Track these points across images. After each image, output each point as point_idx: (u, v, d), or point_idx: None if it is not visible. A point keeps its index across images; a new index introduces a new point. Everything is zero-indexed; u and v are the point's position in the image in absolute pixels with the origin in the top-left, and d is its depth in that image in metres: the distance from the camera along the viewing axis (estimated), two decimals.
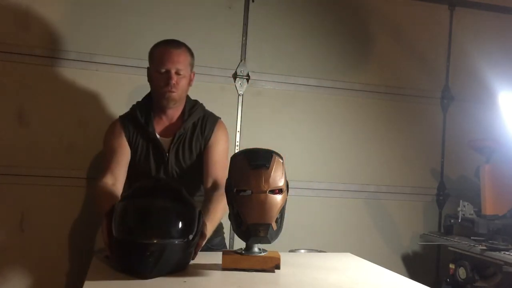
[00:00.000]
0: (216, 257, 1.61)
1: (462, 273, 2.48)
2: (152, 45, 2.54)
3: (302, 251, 2.34)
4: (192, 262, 1.57)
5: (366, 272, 1.73)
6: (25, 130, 2.36)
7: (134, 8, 2.50)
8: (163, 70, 1.90)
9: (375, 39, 2.89)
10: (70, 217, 2.40)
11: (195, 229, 1.53)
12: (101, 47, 2.46)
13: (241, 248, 1.59)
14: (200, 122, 2.00)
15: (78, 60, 2.42)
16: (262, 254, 1.57)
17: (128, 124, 1.97)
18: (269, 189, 1.49)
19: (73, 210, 2.40)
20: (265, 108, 2.71)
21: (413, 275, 2.74)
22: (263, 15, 2.69)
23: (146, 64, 2.48)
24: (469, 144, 2.80)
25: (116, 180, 1.88)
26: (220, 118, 2.07)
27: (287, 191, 1.55)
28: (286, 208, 1.54)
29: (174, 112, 1.99)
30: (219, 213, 1.81)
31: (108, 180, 1.87)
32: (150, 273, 1.41)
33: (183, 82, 1.94)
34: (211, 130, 2.00)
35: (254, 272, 1.53)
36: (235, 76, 2.62)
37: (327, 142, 2.80)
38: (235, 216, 1.52)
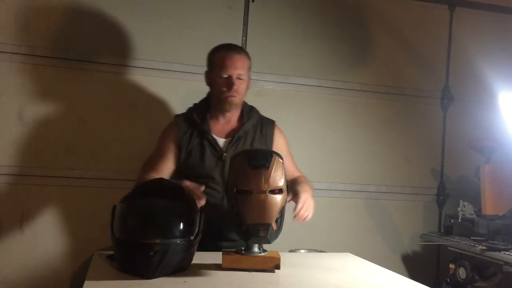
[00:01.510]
0: (216, 257, 1.61)
1: (462, 273, 2.48)
2: (151, 44, 2.55)
3: (302, 251, 2.34)
4: (192, 262, 1.57)
5: (366, 272, 1.73)
6: (25, 130, 2.36)
7: (134, 8, 2.50)
8: (225, 75, 1.94)
9: (375, 39, 2.89)
10: (70, 217, 2.40)
11: (197, 229, 1.54)
12: (101, 47, 2.45)
13: (241, 248, 1.59)
14: (259, 125, 2.06)
15: (78, 60, 2.42)
16: (262, 254, 1.57)
17: (184, 124, 2.01)
18: (269, 189, 1.49)
19: (73, 210, 2.40)
20: (264, 108, 2.69)
21: (413, 275, 2.74)
22: (263, 15, 2.69)
23: (146, 63, 2.51)
24: (469, 144, 2.80)
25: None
26: (275, 121, 2.13)
27: (287, 191, 1.55)
28: (286, 208, 1.54)
29: (232, 114, 2.03)
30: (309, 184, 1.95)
31: (154, 175, 1.88)
32: (154, 273, 1.42)
33: (243, 87, 1.99)
34: (272, 134, 2.07)
35: (254, 272, 1.53)
36: None
37: (327, 142, 2.80)
38: (235, 216, 1.52)
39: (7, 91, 2.35)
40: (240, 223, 1.51)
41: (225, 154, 1.95)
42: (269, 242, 1.56)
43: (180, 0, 2.58)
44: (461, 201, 2.63)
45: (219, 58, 1.97)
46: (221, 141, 1.99)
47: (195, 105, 2.09)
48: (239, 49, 2.04)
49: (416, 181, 2.94)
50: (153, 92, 2.52)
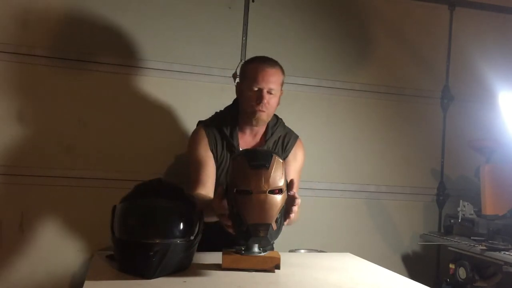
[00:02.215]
0: (216, 257, 1.62)
1: (462, 273, 2.48)
2: (151, 44, 2.55)
3: (302, 251, 2.34)
4: (192, 262, 1.57)
5: (366, 272, 1.73)
6: (25, 130, 2.36)
7: (134, 8, 2.50)
8: (255, 88, 1.89)
9: (375, 39, 2.88)
10: (70, 217, 2.40)
11: (197, 229, 1.54)
12: (101, 47, 2.45)
13: (241, 248, 1.59)
14: (281, 140, 2.02)
15: (78, 60, 2.42)
16: (262, 254, 1.57)
17: (213, 133, 1.96)
18: (269, 189, 1.49)
19: (73, 210, 2.40)
20: None
21: (413, 275, 2.74)
22: (263, 15, 2.69)
23: (145, 63, 2.51)
24: (469, 144, 2.80)
25: (207, 193, 1.86)
26: (298, 136, 2.07)
27: (287, 191, 1.55)
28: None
29: (259, 128, 1.99)
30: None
31: (202, 191, 1.85)
32: (154, 273, 1.42)
33: (274, 101, 1.92)
34: (291, 147, 2.02)
35: (254, 272, 1.53)
36: (235, 76, 2.61)
37: (327, 142, 2.80)
38: (235, 217, 1.52)
39: (7, 91, 2.35)
40: (240, 223, 1.50)
41: None
42: (269, 243, 1.56)
43: (180, 0, 2.58)
44: (461, 201, 2.63)
45: (251, 70, 1.92)
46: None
47: (222, 114, 2.04)
48: (273, 63, 1.95)
49: (416, 181, 2.94)
50: (153, 92, 2.52)
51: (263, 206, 1.48)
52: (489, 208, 2.56)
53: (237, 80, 1.99)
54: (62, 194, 2.39)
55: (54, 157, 2.39)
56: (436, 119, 2.98)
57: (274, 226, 1.50)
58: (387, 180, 2.89)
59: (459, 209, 2.63)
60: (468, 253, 2.45)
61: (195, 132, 2.01)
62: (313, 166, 2.75)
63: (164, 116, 2.52)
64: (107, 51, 2.46)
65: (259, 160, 1.52)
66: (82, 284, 1.36)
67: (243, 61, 2.63)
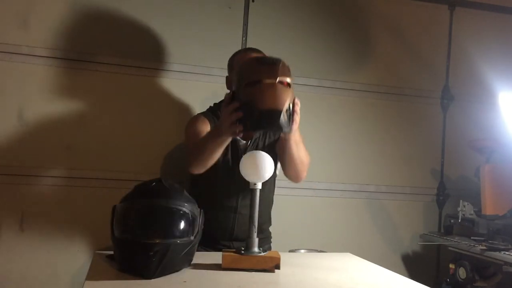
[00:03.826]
0: (216, 257, 1.62)
1: (462, 273, 2.48)
2: (151, 44, 2.55)
3: (302, 251, 2.34)
4: (192, 262, 1.57)
5: (366, 272, 1.73)
6: (25, 130, 2.36)
7: (134, 8, 2.50)
8: None
9: (375, 39, 2.88)
10: (70, 217, 2.40)
11: (197, 229, 1.54)
12: (101, 47, 2.45)
13: (241, 248, 1.59)
14: None
15: (78, 60, 2.42)
16: (262, 254, 1.58)
17: (209, 117, 2.03)
18: (279, 79, 1.55)
19: (73, 210, 2.40)
20: None
21: (413, 275, 2.74)
22: (263, 15, 2.69)
23: (145, 63, 2.51)
24: (469, 144, 2.80)
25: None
26: None
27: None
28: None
29: None
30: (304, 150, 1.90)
31: None
32: (154, 273, 1.42)
33: None
34: None
35: (254, 272, 1.53)
36: None
37: (327, 142, 2.80)
38: (245, 107, 1.54)
39: (7, 91, 2.35)
40: (251, 112, 1.53)
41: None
42: (281, 130, 1.59)
43: (180, 0, 2.58)
44: (461, 201, 2.63)
45: (238, 61, 1.98)
46: (241, 143, 2.01)
47: (216, 104, 2.12)
48: (258, 52, 2.03)
49: (416, 181, 2.94)
50: (153, 92, 2.52)
51: (274, 93, 1.53)
52: (489, 208, 2.56)
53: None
54: (62, 194, 2.39)
55: (54, 157, 2.39)
56: (436, 119, 2.98)
57: (285, 116, 1.53)
58: (387, 180, 2.89)
59: (459, 209, 2.63)
60: (468, 253, 2.45)
61: (195, 117, 2.09)
62: (313, 166, 2.73)
63: (164, 116, 2.52)
64: (107, 51, 2.46)
65: (268, 60, 1.63)
66: (82, 284, 1.36)
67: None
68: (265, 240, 2.10)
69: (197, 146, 1.86)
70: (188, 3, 2.59)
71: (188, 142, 2.02)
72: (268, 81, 1.54)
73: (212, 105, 2.17)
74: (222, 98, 2.52)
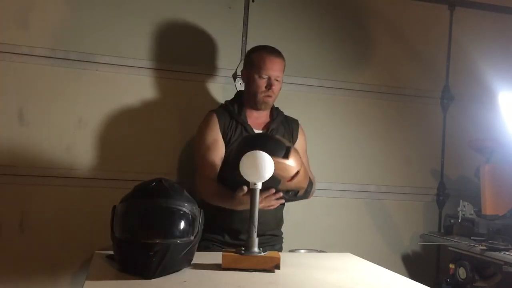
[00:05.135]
0: (216, 257, 1.62)
1: (462, 273, 2.48)
2: (151, 44, 2.55)
3: (302, 251, 2.34)
4: (192, 262, 1.57)
5: (366, 272, 1.73)
6: (25, 130, 2.36)
7: (134, 8, 2.50)
8: (265, 76, 2.12)
9: (375, 39, 2.88)
10: (70, 217, 2.40)
11: (197, 229, 1.54)
12: (101, 47, 2.45)
13: (241, 248, 1.59)
14: (286, 122, 2.28)
15: (78, 60, 2.42)
16: (262, 254, 1.57)
17: (223, 115, 2.16)
18: None
19: (73, 210, 2.40)
20: None
21: (413, 275, 2.74)
22: (263, 15, 2.69)
23: (145, 63, 2.50)
24: (469, 144, 2.80)
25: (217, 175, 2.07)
26: (298, 120, 2.35)
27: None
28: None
29: (264, 112, 2.22)
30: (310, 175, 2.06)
31: (214, 173, 2.05)
32: (154, 273, 1.42)
33: (278, 88, 2.17)
34: (297, 132, 2.30)
35: (254, 272, 1.53)
36: (235, 76, 2.62)
37: (327, 142, 2.80)
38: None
39: (7, 91, 2.35)
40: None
41: None
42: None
43: (180, 0, 2.58)
44: (461, 201, 2.63)
45: (260, 59, 2.13)
46: (258, 132, 2.12)
47: (230, 101, 2.24)
48: (279, 53, 2.17)
49: (416, 181, 2.94)
50: (153, 92, 2.52)
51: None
52: (489, 208, 2.56)
53: (240, 68, 2.25)
54: (62, 194, 2.39)
55: (54, 157, 2.39)
56: (436, 119, 2.98)
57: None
58: (387, 180, 2.89)
59: (459, 209, 2.63)
60: (468, 253, 2.45)
61: (207, 117, 2.18)
62: (313, 166, 2.75)
63: (164, 116, 2.53)
64: (107, 51, 2.46)
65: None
66: (82, 284, 1.36)
67: (243, 61, 2.63)
68: (278, 239, 2.19)
69: (216, 195, 2.00)
70: (188, 3, 2.59)
71: (200, 150, 2.13)
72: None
73: (225, 101, 2.28)
74: (223, 98, 2.54)
